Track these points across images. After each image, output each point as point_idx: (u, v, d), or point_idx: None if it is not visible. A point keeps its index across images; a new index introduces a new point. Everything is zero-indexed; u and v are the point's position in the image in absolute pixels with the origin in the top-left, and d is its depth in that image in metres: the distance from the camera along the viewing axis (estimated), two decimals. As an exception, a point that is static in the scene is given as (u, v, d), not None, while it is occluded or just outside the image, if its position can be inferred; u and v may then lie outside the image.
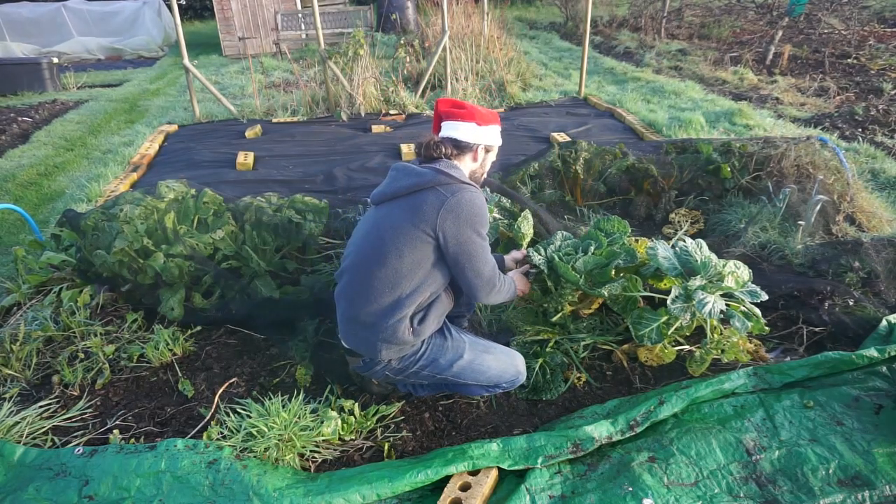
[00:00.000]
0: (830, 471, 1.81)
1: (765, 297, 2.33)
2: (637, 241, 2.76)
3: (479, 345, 2.14)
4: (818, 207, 3.21)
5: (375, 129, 6.01)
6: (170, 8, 7.53)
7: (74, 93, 8.56)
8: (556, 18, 14.22)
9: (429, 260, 1.94)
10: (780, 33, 8.62)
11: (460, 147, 2.08)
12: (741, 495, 1.77)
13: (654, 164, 3.81)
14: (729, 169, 3.68)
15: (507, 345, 2.44)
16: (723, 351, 2.33)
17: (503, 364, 2.13)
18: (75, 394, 2.37)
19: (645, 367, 2.43)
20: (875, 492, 1.73)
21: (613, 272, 2.46)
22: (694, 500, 1.75)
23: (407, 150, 5.21)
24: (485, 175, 2.22)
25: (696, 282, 2.29)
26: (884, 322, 2.47)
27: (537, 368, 2.36)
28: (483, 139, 2.10)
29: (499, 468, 1.89)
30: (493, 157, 2.21)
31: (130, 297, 2.80)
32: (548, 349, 2.44)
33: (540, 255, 2.50)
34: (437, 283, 2.00)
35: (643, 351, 2.40)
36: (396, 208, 1.97)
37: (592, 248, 2.50)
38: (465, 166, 2.10)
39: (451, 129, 2.08)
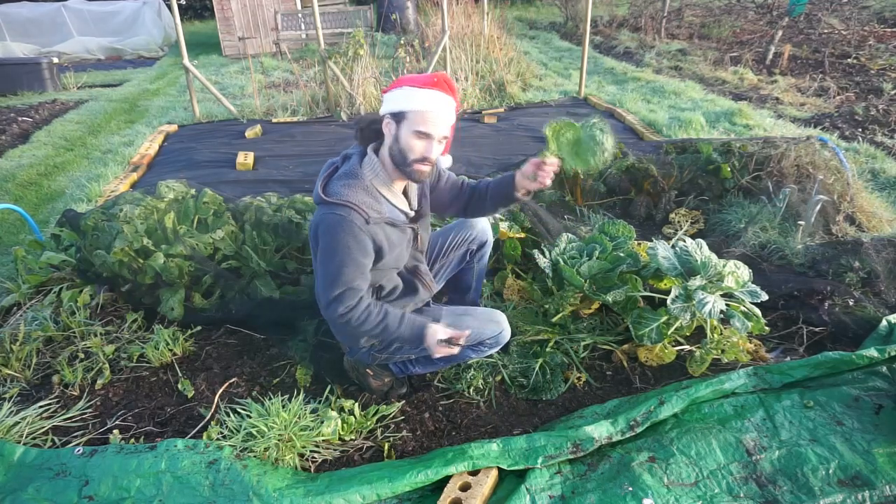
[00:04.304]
0: (830, 471, 1.81)
1: (765, 297, 2.33)
2: (640, 244, 2.76)
3: (457, 309, 2.17)
4: (818, 207, 3.21)
5: (375, 129, 6.00)
6: (170, 8, 7.52)
7: (74, 93, 8.56)
8: (556, 18, 14.22)
9: None
10: (780, 33, 8.62)
11: (372, 127, 1.94)
12: (741, 495, 1.77)
13: (654, 164, 3.81)
14: (729, 169, 3.68)
15: (507, 345, 2.45)
16: (723, 351, 2.33)
17: (482, 322, 2.13)
18: (75, 394, 2.37)
19: (645, 367, 2.43)
20: (875, 492, 1.73)
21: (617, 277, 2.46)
22: (694, 500, 1.75)
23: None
24: (419, 154, 1.85)
25: (696, 282, 2.29)
26: (884, 322, 2.47)
27: (537, 368, 2.36)
28: (386, 108, 1.89)
29: (499, 468, 1.89)
30: (412, 127, 1.83)
31: (130, 297, 2.80)
32: (548, 349, 2.44)
33: (545, 257, 2.50)
34: (368, 284, 1.97)
35: (643, 351, 2.40)
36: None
37: (597, 253, 2.50)
38: (385, 150, 1.93)
39: None
